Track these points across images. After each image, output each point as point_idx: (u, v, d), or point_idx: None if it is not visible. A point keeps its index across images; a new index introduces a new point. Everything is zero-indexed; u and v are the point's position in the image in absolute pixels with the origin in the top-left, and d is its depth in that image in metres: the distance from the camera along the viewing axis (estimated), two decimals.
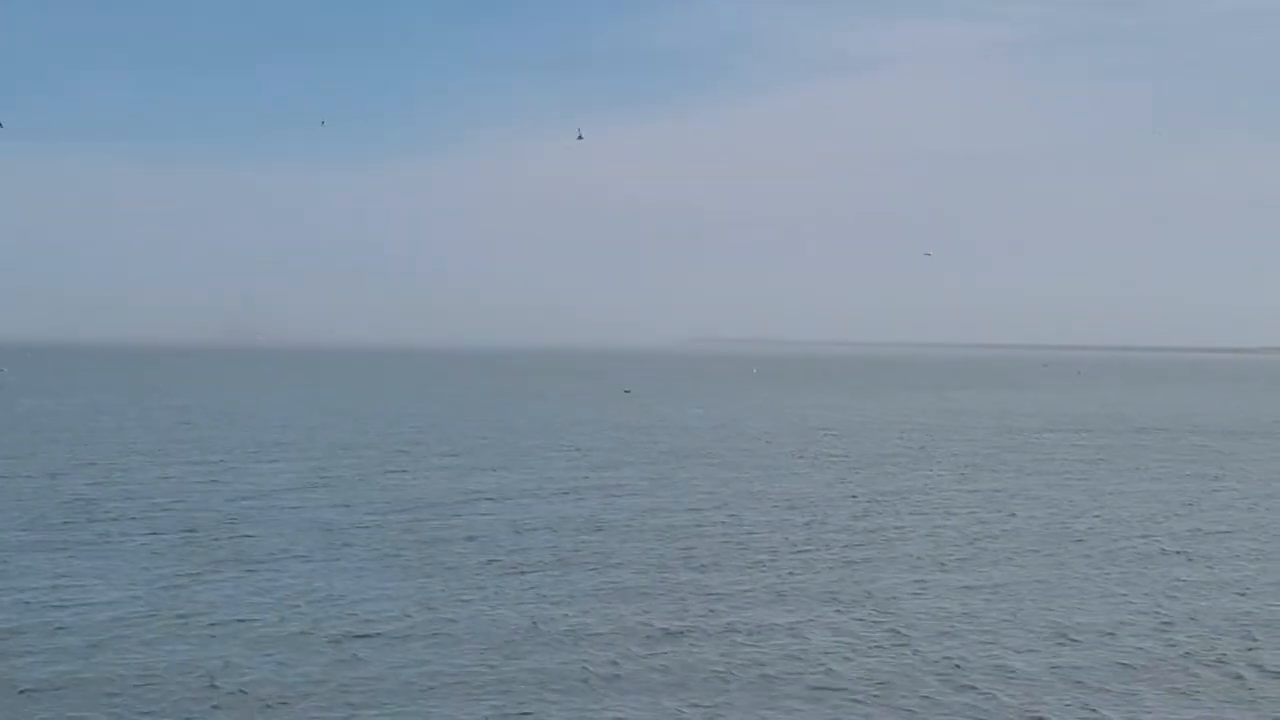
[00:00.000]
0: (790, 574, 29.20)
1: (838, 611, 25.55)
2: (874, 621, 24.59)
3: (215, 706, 19.07)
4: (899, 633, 23.84)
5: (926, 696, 20.07)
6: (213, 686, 19.95)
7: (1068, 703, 19.70)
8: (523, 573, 28.79)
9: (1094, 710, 19.41)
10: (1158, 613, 25.67)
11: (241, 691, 19.70)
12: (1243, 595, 27.56)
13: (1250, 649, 22.96)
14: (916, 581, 28.51)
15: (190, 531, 33.91)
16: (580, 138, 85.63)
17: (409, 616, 24.44)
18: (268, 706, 19.07)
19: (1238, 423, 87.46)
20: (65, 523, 35.06)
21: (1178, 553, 32.77)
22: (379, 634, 23.10)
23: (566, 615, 24.70)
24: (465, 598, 26.13)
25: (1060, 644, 23.11)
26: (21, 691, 19.52)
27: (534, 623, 24.09)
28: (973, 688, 20.46)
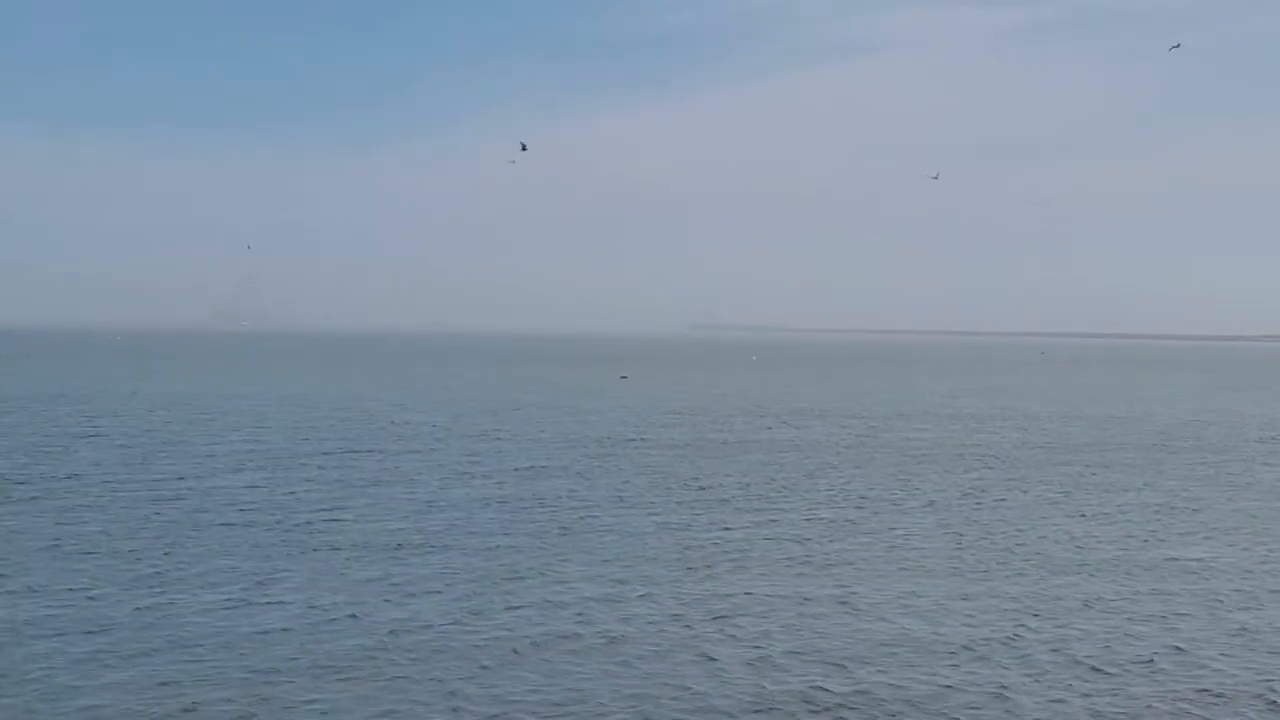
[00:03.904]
0: (679, 551, 29.77)
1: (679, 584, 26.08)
2: (745, 601, 25.08)
3: (77, 689, 19.44)
4: (765, 615, 24.31)
5: (778, 678, 20.45)
6: (55, 662, 20.42)
7: (892, 677, 20.13)
8: (412, 554, 29.19)
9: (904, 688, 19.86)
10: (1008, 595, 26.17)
11: (93, 666, 20.14)
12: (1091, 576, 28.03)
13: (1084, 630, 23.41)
14: (793, 558, 29.05)
15: (95, 508, 34.49)
16: (524, 149, 75.51)
17: (291, 600, 24.77)
18: (117, 675, 19.49)
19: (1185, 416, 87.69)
20: None
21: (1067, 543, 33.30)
22: (256, 612, 23.50)
23: (469, 597, 25.09)
24: (356, 583, 26.30)
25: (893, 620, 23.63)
26: None
27: (426, 605, 24.45)
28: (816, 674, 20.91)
